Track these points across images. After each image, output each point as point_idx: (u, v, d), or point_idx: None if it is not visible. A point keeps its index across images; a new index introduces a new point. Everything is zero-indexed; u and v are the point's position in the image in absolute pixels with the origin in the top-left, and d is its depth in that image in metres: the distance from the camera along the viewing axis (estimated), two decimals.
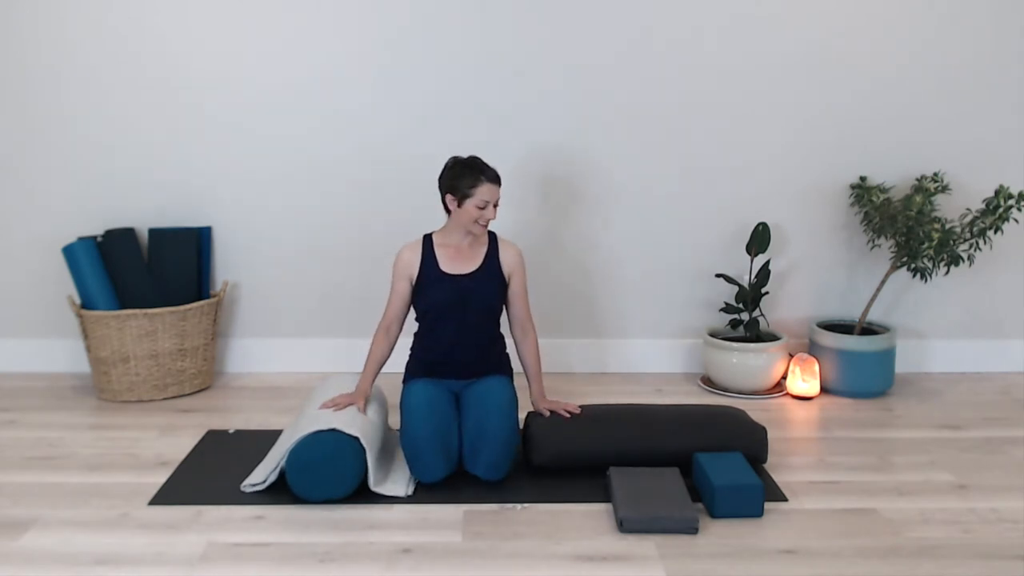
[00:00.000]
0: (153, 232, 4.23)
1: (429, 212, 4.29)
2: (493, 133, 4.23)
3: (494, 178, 3.29)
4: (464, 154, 3.41)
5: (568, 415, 3.32)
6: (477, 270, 3.35)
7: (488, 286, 3.36)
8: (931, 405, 4.04)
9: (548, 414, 3.34)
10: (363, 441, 3.05)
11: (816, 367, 4.13)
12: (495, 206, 3.30)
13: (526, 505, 3.04)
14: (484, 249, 3.39)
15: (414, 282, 3.37)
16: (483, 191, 3.26)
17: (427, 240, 3.40)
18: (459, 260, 3.35)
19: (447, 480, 3.17)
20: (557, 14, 4.17)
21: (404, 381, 3.40)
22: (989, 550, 2.75)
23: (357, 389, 3.33)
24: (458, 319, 3.32)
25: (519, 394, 3.30)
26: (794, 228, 4.38)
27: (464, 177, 3.26)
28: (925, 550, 2.74)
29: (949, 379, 4.39)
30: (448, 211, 3.35)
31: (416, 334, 3.43)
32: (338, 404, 3.22)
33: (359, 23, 4.19)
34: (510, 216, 4.30)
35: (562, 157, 4.29)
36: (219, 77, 4.21)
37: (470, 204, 3.27)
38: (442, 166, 3.39)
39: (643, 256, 4.39)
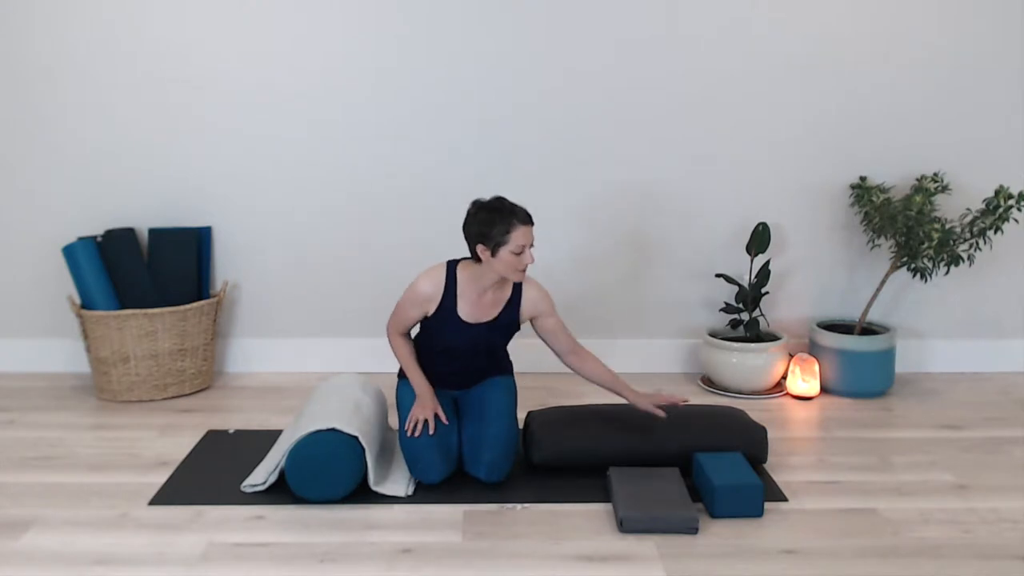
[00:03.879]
0: (153, 232, 4.23)
1: (429, 212, 4.30)
2: (492, 133, 4.24)
3: (526, 219, 3.02)
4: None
5: (682, 403, 3.26)
6: (495, 319, 3.20)
7: (502, 332, 3.25)
8: (931, 405, 4.04)
9: (663, 414, 3.18)
10: (362, 440, 3.05)
11: (816, 367, 4.13)
12: (531, 247, 3.05)
13: (526, 505, 3.04)
14: (507, 295, 3.20)
15: (428, 316, 3.21)
16: (518, 235, 2.98)
17: (450, 276, 3.15)
18: (480, 307, 3.17)
19: (447, 480, 3.16)
20: (557, 16, 4.16)
21: (400, 375, 3.37)
22: (989, 550, 2.75)
23: (420, 395, 3.20)
24: (466, 357, 3.26)
25: (522, 393, 3.28)
26: (794, 228, 4.38)
27: (494, 224, 2.97)
28: (925, 550, 2.74)
29: (949, 379, 4.39)
30: (478, 260, 3.09)
31: (417, 339, 3.35)
32: (419, 420, 3.12)
33: (360, 24, 4.18)
34: None
35: (562, 158, 4.29)
36: (219, 77, 4.21)
37: (505, 252, 2.99)
38: (459, 205, 3.13)
39: (643, 256, 4.39)
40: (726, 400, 4.08)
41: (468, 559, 2.69)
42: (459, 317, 3.16)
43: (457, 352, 3.24)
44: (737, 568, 2.64)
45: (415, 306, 3.18)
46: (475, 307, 3.16)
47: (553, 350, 3.31)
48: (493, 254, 3.02)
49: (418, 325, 3.35)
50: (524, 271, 3.07)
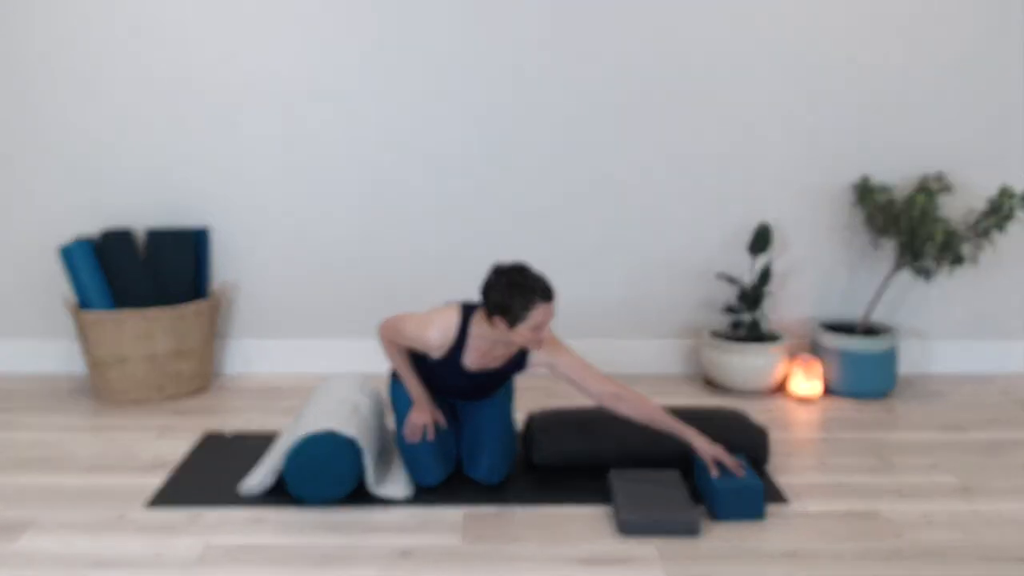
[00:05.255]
0: (151, 233, 4.21)
1: (429, 212, 4.28)
2: (492, 133, 4.23)
3: (547, 296, 2.86)
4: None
5: (740, 474, 2.98)
6: (499, 368, 3.10)
7: (505, 377, 3.16)
8: (934, 406, 4.02)
9: (717, 472, 2.96)
10: (361, 442, 3.03)
11: (818, 368, 4.11)
12: (551, 318, 2.90)
13: (526, 507, 3.02)
14: (516, 349, 3.06)
15: (430, 358, 3.09)
16: (537, 314, 2.84)
17: (463, 328, 3.01)
18: (487, 359, 3.05)
19: (446, 482, 3.16)
20: (556, 17, 4.15)
21: (393, 375, 3.29)
22: (992, 552, 2.73)
23: (417, 400, 3.14)
24: (463, 393, 3.19)
25: (522, 394, 3.26)
26: (796, 228, 4.36)
27: (515, 298, 2.84)
28: (928, 552, 2.73)
29: (952, 380, 4.38)
30: (493, 326, 2.94)
31: (415, 361, 3.21)
32: (417, 426, 3.10)
33: (360, 24, 4.17)
34: (510, 215, 4.29)
35: (562, 158, 4.27)
36: (218, 77, 4.20)
37: (523, 328, 2.86)
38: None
39: (644, 256, 4.37)
40: (727, 401, 4.06)
41: (468, 561, 2.68)
42: (463, 366, 3.06)
43: (453, 388, 3.18)
44: (738, 571, 2.62)
45: (418, 345, 3.03)
46: (482, 357, 3.05)
47: (585, 394, 3.06)
48: (510, 327, 2.88)
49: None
50: (541, 342, 2.92)
